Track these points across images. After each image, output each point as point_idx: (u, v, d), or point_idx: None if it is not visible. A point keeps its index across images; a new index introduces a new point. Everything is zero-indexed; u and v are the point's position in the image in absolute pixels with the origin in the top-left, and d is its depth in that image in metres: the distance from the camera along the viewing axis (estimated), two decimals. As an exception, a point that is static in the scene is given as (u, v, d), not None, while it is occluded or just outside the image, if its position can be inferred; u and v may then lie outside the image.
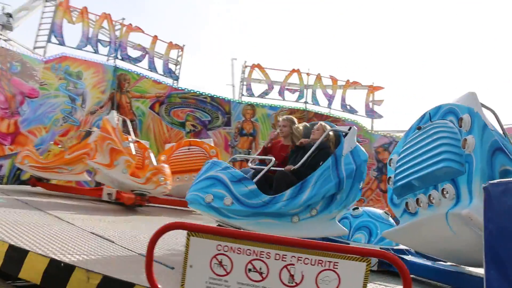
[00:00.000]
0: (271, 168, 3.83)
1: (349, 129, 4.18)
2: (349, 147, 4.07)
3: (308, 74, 17.38)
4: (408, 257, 4.57)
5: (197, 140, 10.13)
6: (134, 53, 15.70)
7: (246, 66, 17.17)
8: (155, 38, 15.98)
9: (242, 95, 16.83)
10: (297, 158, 4.06)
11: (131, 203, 7.65)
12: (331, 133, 4.18)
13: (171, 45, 16.40)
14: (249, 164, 4.24)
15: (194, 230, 1.90)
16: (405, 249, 4.81)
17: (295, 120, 4.61)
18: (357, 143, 4.21)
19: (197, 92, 15.87)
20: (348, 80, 17.69)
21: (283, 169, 3.87)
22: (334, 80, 17.58)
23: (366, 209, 5.34)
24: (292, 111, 16.67)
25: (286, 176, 3.74)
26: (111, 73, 14.86)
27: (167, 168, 7.92)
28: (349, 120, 17.20)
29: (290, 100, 17.21)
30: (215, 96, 16.02)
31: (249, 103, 16.46)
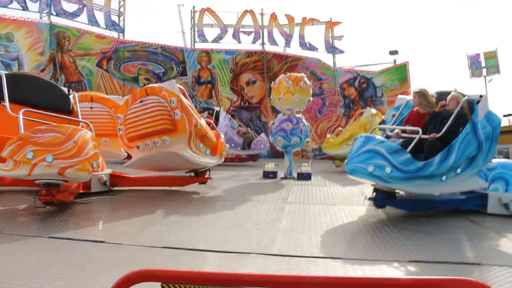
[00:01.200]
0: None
1: (481, 97, 5.04)
2: (482, 112, 5.02)
3: (262, 14, 18.16)
4: None
5: (154, 86, 8.54)
6: (69, 7, 15.78)
7: (195, 11, 17.64)
8: (91, -13, 16.09)
9: (195, 42, 17.39)
10: (436, 125, 4.99)
11: None
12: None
13: (110, -5, 16.62)
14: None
15: (168, 281, 1.46)
16: None
17: (426, 91, 5.45)
18: (489, 109, 5.02)
19: (147, 44, 16.33)
20: (305, 17, 18.63)
21: (428, 136, 4.76)
22: (290, 18, 18.46)
23: (499, 161, 5.77)
24: (249, 54, 17.52)
25: (434, 144, 4.69)
26: (47, 31, 15.03)
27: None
28: (310, 58, 18.28)
29: (246, 43, 18.01)
30: (166, 46, 16.53)
31: (204, 50, 17.09)
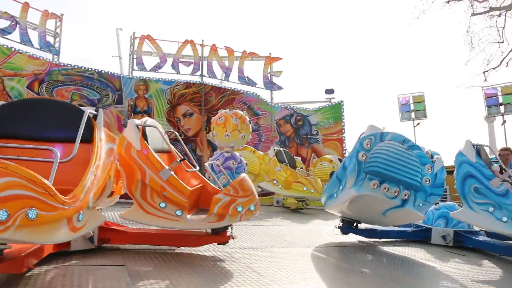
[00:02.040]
0: None
1: None
2: None
3: (202, 45, 19.56)
4: (478, 238, 6.95)
5: None
6: (0, 23, 16.17)
7: (135, 38, 18.64)
8: (26, 5, 16.56)
9: (133, 69, 18.30)
10: None
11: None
12: None
13: (46, 14, 17.20)
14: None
15: None
16: (476, 230, 7.14)
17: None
18: None
19: (82, 68, 17.01)
20: (244, 51, 20.25)
21: None
22: (230, 51, 19.99)
23: (445, 203, 7.95)
24: (188, 85, 18.75)
25: None
26: (-28, 48, 15.40)
27: None
28: (248, 92, 19.85)
29: (185, 74, 19.27)
30: (103, 72, 17.28)
31: (141, 78, 18.08)
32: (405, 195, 5.80)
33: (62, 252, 4.51)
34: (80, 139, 3.80)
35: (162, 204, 4.83)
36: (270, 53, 20.85)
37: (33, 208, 2.90)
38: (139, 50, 18.57)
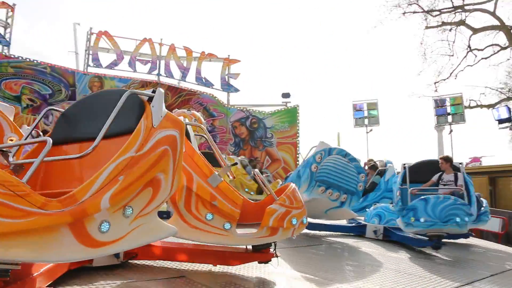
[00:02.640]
0: None
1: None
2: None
3: (160, 44, 19.63)
4: (402, 233, 7.99)
5: None
6: None
7: (92, 33, 18.53)
8: (-24, -6, 16.29)
9: (88, 65, 18.20)
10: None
11: None
12: None
13: (-3, 4, 16.86)
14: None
15: None
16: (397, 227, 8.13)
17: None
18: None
19: (34, 61, 16.75)
20: (203, 52, 20.49)
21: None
22: (188, 51, 20.19)
23: (380, 204, 9.41)
24: (144, 83, 18.83)
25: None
26: None
27: None
28: (204, 93, 20.12)
29: (142, 72, 19.31)
30: (56, 66, 17.10)
31: (97, 74, 18.02)
32: (344, 198, 7.65)
33: (85, 268, 4.01)
34: (111, 132, 3.22)
35: (209, 216, 4.28)
36: (228, 55, 21.18)
37: None
38: (96, 46, 18.47)
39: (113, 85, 18.10)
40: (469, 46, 24.09)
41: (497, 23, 22.54)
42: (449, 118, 23.37)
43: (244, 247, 4.78)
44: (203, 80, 20.43)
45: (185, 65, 20.14)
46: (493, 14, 22.41)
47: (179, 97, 19.39)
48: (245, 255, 4.81)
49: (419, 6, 23.90)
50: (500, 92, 29.14)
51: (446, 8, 23.51)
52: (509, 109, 21.45)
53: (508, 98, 28.87)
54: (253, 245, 4.66)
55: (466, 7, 23.01)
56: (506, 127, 20.92)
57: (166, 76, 19.62)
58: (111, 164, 3.01)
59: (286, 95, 22.03)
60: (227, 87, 20.94)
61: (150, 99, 3.44)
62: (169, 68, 19.71)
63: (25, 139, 4.18)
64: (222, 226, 4.24)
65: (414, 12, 23.96)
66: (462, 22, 23.41)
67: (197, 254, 4.82)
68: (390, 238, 8.21)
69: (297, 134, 21.02)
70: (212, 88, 20.64)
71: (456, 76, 24.76)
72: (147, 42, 19.35)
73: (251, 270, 4.89)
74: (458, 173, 7.80)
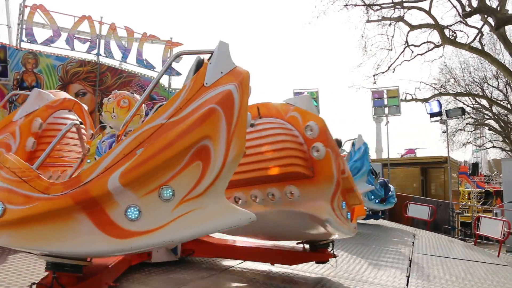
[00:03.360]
0: None
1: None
2: None
3: (101, 23, 19.10)
4: None
5: (272, 103, 4.64)
6: None
7: (25, 6, 17.75)
8: None
9: (22, 41, 17.44)
10: None
11: None
12: None
13: None
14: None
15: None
16: None
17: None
18: None
19: (-38, 34, 15.95)
20: (145, 33, 20.21)
21: None
22: (130, 31, 19.83)
23: None
24: (82, 63, 18.36)
25: None
26: None
27: None
28: (146, 76, 19.93)
29: (80, 51, 18.69)
30: (-15, 40, 16.34)
31: (31, 51, 17.35)
32: None
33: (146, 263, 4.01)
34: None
35: (343, 205, 4.13)
36: (171, 38, 20.99)
37: (4, 202, 2.38)
38: (30, 21, 17.66)
39: (49, 63, 17.50)
40: (406, 42, 25.31)
41: (432, 21, 23.84)
42: (386, 110, 24.50)
43: (302, 246, 4.72)
44: (144, 62, 20.16)
45: (126, 46, 19.76)
46: (428, 12, 23.64)
47: (119, 79, 19.07)
48: (303, 254, 4.68)
49: (361, -1, 24.80)
50: (433, 87, 31.00)
51: (386, 4, 24.51)
52: (440, 103, 22.78)
53: (440, 94, 30.75)
54: (311, 245, 4.57)
55: (404, 4, 24.09)
56: (437, 120, 22.27)
57: (106, 56, 19.13)
58: (127, 138, 2.57)
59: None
60: (169, 70, 20.78)
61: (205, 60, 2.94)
62: (109, 48, 19.24)
63: None
64: (346, 215, 4.23)
65: (356, 5, 24.79)
66: (400, 18, 24.52)
67: (256, 253, 4.72)
68: None
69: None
70: (153, 70, 20.41)
71: (394, 70, 25.94)
72: (86, 19, 18.73)
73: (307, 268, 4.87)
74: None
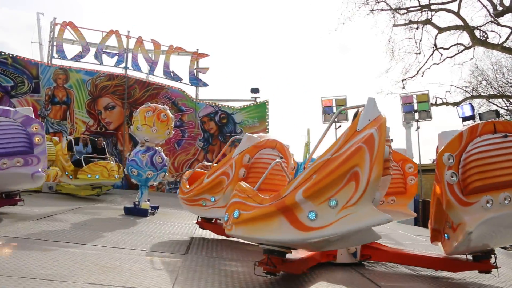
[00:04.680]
0: None
1: None
2: None
3: (128, 37, 19.66)
4: None
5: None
6: None
7: (56, 24, 18.38)
8: None
9: (53, 57, 18.06)
10: None
11: None
12: None
13: (-44, -8, 16.63)
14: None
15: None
16: None
17: None
18: None
19: (-5, 52, 16.57)
20: (171, 45, 20.61)
21: None
22: (156, 44, 20.27)
23: None
24: (110, 76, 18.86)
25: None
26: None
27: None
28: (173, 87, 20.29)
29: (109, 65, 19.26)
30: (18, 57, 16.94)
31: (61, 67, 17.92)
32: None
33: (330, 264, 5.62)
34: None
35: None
36: (197, 49, 21.35)
37: (236, 209, 4.28)
38: (60, 37, 18.32)
39: (78, 77, 18.06)
40: (435, 45, 25.04)
41: (461, 23, 23.56)
42: (416, 115, 24.23)
43: (465, 256, 5.21)
44: (171, 74, 20.54)
45: (153, 59, 20.20)
46: (457, 14, 23.37)
47: (147, 91, 19.48)
48: (466, 263, 5.25)
49: (387, 4, 24.67)
50: (464, 90, 30.46)
51: (413, 7, 24.35)
52: (472, 107, 22.40)
53: (472, 97, 30.20)
54: (474, 255, 5.09)
55: (432, 6, 23.90)
56: (470, 124, 21.88)
57: (134, 70, 19.64)
58: (309, 167, 4.11)
59: (255, 90, 22.35)
60: (196, 81, 21.12)
61: (359, 110, 4.24)
62: (136, 61, 19.74)
63: None
64: None
65: (382, 10, 24.72)
66: (428, 21, 24.31)
67: (423, 260, 5.61)
68: None
69: (267, 130, 21.40)
70: (180, 82, 20.77)
71: (423, 74, 25.70)
72: (113, 34, 19.32)
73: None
74: None
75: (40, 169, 6.97)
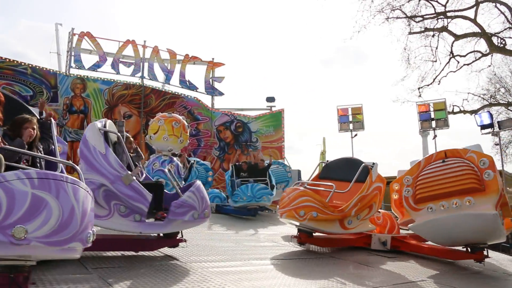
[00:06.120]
0: None
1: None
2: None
3: (144, 46, 19.94)
4: None
5: (456, 148, 6.87)
6: None
7: (74, 34, 18.71)
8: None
9: (70, 67, 18.35)
10: None
11: None
12: None
13: (-23, 4, 17.00)
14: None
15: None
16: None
17: None
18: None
19: (15, 62, 16.84)
20: (187, 55, 20.86)
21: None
22: (172, 54, 20.52)
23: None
24: (127, 86, 19.08)
25: None
26: None
27: None
28: (189, 96, 20.46)
29: (125, 74, 19.53)
30: (37, 67, 17.23)
31: (79, 76, 18.19)
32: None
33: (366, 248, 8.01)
34: (355, 180, 7.31)
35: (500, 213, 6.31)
36: (212, 58, 21.58)
37: (315, 212, 6.63)
38: (78, 47, 18.63)
39: (96, 87, 18.29)
40: (451, 52, 24.92)
41: (478, 30, 23.45)
42: (433, 123, 24.08)
43: (465, 248, 6.97)
44: (187, 83, 20.76)
45: (169, 68, 20.45)
46: (474, 21, 23.27)
47: (163, 100, 19.67)
48: (465, 254, 6.97)
49: (402, 11, 24.66)
50: (482, 98, 30.17)
51: (428, 14, 24.29)
52: (491, 115, 22.25)
53: (490, 104, 29.92)
54: (472, 247, 6.77)
55: (448, 14, 23.84)
56: (488, 132, 21.69)
57: (150, 79, 19.89)
58: (356, 196, 7.06)
59: (270, 99, 22.48)
60: (212, 90, 21.31)
61: (371, 168, 7.65)
62: (152, 71, 19.98)
63: None
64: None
65: (397, 18, 24.68)
66: (444, 29, 24.23)
67: (435, 251, 7.50)
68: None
69: (282, 139, 21.48)
70: (196, 91, 20.98)
71: (439, 82, 25.55)
72: (130, 44, 19.63)
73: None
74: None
75: None
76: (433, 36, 24.95)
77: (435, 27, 24.50)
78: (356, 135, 25.23)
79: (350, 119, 25.38)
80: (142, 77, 19.67)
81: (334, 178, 7.88)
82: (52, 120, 4.76)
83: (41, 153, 4.27)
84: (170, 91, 20.22)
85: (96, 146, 4.92)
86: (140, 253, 5.50)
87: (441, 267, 7.04)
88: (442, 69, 25.49)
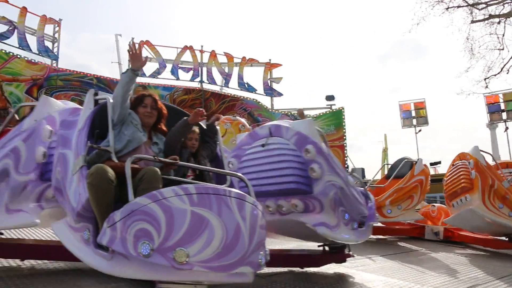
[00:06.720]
0: None
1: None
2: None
3: (201, 51, 20.23)
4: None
5: (463, 153, 7.78)
6: (-2, 27, 16.65)
7: (133, 43, 19.22)
8: (24, 10, 17.04)
9: (132, 75, 18.78)
10: None
11: None
12: None
13: (44, 19, 17.70)
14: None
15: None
16: None
17: None
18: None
19: (81, 73, 17.52)
20: (244, 57, 20.94)
21: None
22: (229, 57, 20.67)
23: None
24: (187, 91, 19.36)
25: None
26: (-32, 52, 15.87)
27: None
28: (248, 98, 20.49)
29: (185, 80, 19.92)
30: (102, 77, 17.82)
31: (141, 84, 18.62)
32: None
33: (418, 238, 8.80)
34: (394, 176, 8.71)
35: (500, 205, 6.75)
36: (270, 59, 21.56)
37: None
38: (138, 56, 19.06)
39: (157, 93, 18.49)
40: (520, 39, 23.68)
41: (549, 12, 22.14)
42: (503, 115, 22.93)
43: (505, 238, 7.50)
44: (246, 85, 20.84)
45: (227, 71, 20.62)
46: (544, 3, 22.03)
47: (223, 103, 19.80)
48: (506, 243, 7.46)
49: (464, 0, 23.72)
50: (557, 86, 28.38)
51: (492, 0, 23.23)
52: None
53: None
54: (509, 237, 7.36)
55: (514, -2, 22.68)
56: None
57: (209, 83, 20.15)
58: (392, 188, 8.11)
59: (330, 98, 22.19)
60: (270, 91, 21.25)
61: (415, 163, 8.49)
62: (211, 75, 20.21)
63: None
64: (508, 214, 6.66)
65: (459, 7, 23.75)
66: (511, 14, 23.05)
67: (481, 241, 8.00)
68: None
69: (344, 137, 21.05)
70: (255, 93, 21.02)
71: (508, 70, 24.29)
72: (188, 50, 19.97)
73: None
74: None
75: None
76: (498, 23, 23.73)
77: (500, 13, 23.31)
78: (420, 130, 24.46)
79: (413, 114, 24.65)
80: (201, 81, 19.95)
81: (398, 176, 8.75)
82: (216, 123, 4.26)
83: (206, 161, 3.96)
84: (229, 94, 20.33)
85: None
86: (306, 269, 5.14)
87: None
88: (511, 57, 24.17)
